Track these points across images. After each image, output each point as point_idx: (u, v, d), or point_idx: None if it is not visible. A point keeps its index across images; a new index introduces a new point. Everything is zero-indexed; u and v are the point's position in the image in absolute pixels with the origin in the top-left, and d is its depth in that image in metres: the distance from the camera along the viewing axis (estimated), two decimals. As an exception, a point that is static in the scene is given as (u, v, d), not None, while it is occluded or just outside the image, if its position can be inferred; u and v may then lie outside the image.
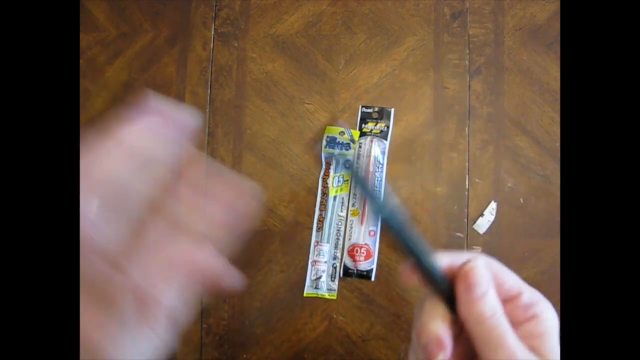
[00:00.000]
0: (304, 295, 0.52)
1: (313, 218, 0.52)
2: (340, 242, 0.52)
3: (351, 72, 0.55)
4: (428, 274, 0.21)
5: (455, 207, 0.53)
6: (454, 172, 0.53)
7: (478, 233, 0.52)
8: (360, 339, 0.52)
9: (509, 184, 0.53)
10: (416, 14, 0.55)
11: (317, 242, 0.52)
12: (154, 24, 0.56)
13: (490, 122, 0.54)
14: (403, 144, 0.54)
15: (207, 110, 0.55)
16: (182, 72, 0.56)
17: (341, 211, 0.52)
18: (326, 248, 0.52)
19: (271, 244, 0.54)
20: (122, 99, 0.56)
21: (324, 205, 0.52)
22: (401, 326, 0.52)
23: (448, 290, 0.22)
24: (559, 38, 0.54)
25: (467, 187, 0.53)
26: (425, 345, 0.21)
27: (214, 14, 0.56)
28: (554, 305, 0.20)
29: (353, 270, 0.51)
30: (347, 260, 0.52)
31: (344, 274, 0.52)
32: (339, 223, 0.52)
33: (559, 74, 0.53)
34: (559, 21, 0.54)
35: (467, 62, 0.54)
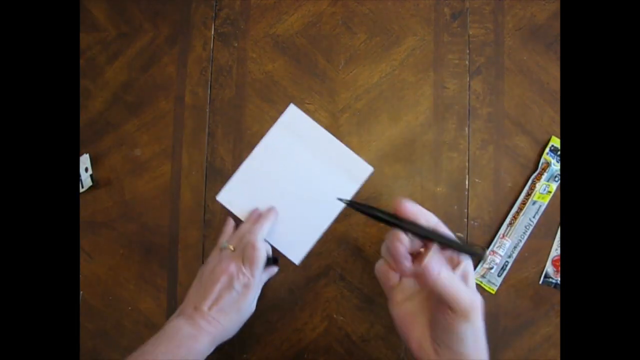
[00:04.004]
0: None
1: (509, 210, 0.52)
2: (522, 244, 0.51)
3: (351, 72, 0.55)
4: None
5: (455, 207, 0.53)
6: (454, 172, 0.53)
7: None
8: (360, 339, 0.52)
9: (509, 184, 0.53)
10: (416, 14, 0.55)
11: (504, 235, 0.52)
12: (154, 24, 0.56)
13: (490, 122, 0.54)
14: (403, 144, 0.54)
15: (207, 110, 0.55)
16: (182, 72, 0.56)
17: (533, 217, 0.51)
18: (508, 244, 0.51)
19: (271, 244, 0.54)
20: (122, 99, 0.56)
21: (524, 204, 0.51)
22: (401, 326, 0.52)
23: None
24: (559, 38, 0.54)
25: (467, 187, 0.53)
26: (400, 262, 0.34)
27: (214, 14, 0.56)
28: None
29: (553, 279, 0.51)
30: (550, 269, 0.52)
31: (543, 279, 0.52)
32: (527, 227, 0.51)
33: (559, 74, 0.53)
34: (559, 21, 0.54)
35: (467, 62, 0.54)
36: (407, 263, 0.34)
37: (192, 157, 0.55)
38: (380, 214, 0.34)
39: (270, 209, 0.52)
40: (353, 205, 0.31)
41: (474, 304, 0.33)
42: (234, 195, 0.54)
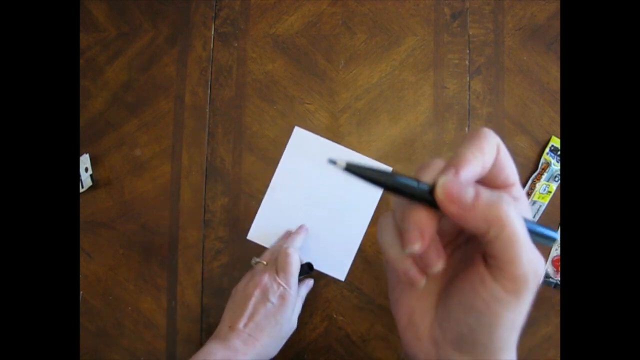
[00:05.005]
0: None
1: None
2: None
3: (351, 72, 0.55)
4: (414, 198, 0.19)
5: (455, 207, 0.53)
6: (454, 172, 0.53)
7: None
8: (360, 339, 0.52)
9: (509, 184, 0.53)
10: (416, 14, 0.55)
11: None
12: (154, 24, 0.56)
13: (490, 122, 0.54)
14: (403, 144, 0.54)
15: (207, 110, 0.55)
16: (182, 72, 0.56)
17: (533, 217, 0.52)
18: None
19: (271, 244, 0.53)
20: (122, 99, 0.56)
21: None
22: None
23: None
24: (559, 38, 0.54)
25: (467, 187, 0.53)
26: (406, 229, 0.19)
27: (214, 14, 0.56)
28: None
29: (553, 280, 0.51)
30: (550, 269, 0.52)
31: (543, 279, 0.52)
32: None
33: (559, 74, 0.53)
34: (559, 21, 0.54)
35: (467, 62, 0.54)
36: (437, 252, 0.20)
37: (192, 157, 0.55)
38: (397, 183, 0.19)
39: (301, 226, 0.52)
40: (352, 170, 0.19)
41: (536, 276, 0.18)
42: (263, 231, 0.54)
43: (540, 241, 0.21)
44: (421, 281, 0.20)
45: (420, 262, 0.20)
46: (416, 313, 0.22)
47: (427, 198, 0.19)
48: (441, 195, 0.18)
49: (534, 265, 0.18)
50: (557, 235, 0.21)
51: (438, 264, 0.19)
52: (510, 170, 0.21)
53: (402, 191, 0.19)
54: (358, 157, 0.53)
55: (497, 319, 0.19)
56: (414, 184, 0.19)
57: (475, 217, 0.18)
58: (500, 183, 0.21)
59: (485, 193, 0.18)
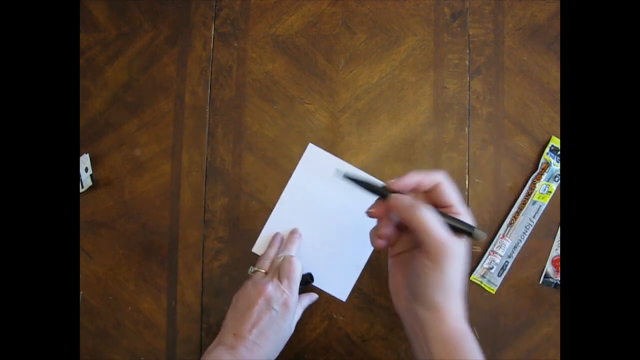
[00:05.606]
0: (471, 279, 0.52)
1: (509, 210, 0.52)
2: (522, 244, 0.52)
3: (351, 72, 0.55)
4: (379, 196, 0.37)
5: (455, 207, 0.53)
6: (454, 172, 0.53)
7: (478, 233, 0.52)
8: (360, 339, 0.52)
9: (509, 184, 0.53)
10: (416, 14, 0.55)
11: (504, 235, 0.52)
12: (154, 24, 0.56)
13: (490, 122, 0.54)
14: (403, 144, 0.54)
15: (207, 110, 0.55)
16: (182, 72, 0.56)
17: (533, 217, 0.52)
18: (508, 244, 0.51)
19: (271, 244, 0.53)
20: (122, 99, 0.56)
21: (524, 204, 0.52)
22: (401, 326, 0.52)
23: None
24: (559, 38, 0.54)
25: (467, 187, 0.53)
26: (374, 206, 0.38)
27: (214, 14, 0.56)
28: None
29: (553, 280, 0.51)
30: (550, 269, 0.52)
31: (543, 279, 0.52)
32: (527, 227, 0.51)
33: (559, 74, 0.53)
34: (559, 21, 0.54)
35: (467, 62, 0.54)
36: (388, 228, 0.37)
37: (192, 157, 0.55)
38: (370, 187, 0.38)
39: (294, 231, 0.52)
40: (349, 178, 0.38)
41: (446, 249, 0.31)
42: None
43: (469, 235, 0.34)
44: (380, 244, 0.38)
45: (380, 235, 0.38)
46: (399, 284, 0.38)
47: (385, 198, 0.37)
48: (391, 201, 0.36)
49: (443, 243, 0.32)
50: (475, 228, 0.35)
51: (385, 235, 0.38)
52: (449, 196, 0.35)
53: (377, 194, 0.38)
54: (373, 179, 0.53)
55: (427, 278, 0.33)
56: (384, 192, 0.37)
57: (403, 214, 0.34)
58: (444, 203, 0.35)
59: (407, 200, 0.34)
